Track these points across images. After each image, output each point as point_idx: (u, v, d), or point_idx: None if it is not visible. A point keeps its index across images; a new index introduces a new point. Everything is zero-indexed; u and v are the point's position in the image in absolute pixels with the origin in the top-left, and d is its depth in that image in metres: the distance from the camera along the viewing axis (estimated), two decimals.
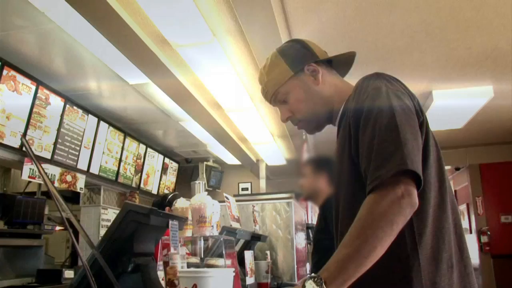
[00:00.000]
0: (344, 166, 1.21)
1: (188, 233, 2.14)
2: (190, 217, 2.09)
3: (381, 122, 1.08)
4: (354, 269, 1.00)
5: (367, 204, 1.04)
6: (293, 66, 1.34)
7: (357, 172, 1.13)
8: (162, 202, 3.85)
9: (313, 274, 1.02)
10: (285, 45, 1.41)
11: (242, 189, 8.57)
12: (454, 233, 1.15)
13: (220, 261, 2.12)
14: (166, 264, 1.64)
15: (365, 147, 1.10)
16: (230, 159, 7.45)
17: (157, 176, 7.04)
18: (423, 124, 1.15)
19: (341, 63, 1.44)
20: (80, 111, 4.91)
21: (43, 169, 1.34)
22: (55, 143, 4.50)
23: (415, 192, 1.03)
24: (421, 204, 1.09)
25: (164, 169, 7.24)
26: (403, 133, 1.06)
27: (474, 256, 6.98)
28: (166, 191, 7.27)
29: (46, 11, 3.06)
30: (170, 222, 1.61)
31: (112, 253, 1.45)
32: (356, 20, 3.47)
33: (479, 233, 7.17)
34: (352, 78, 1.39)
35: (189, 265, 1.92)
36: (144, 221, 1.46)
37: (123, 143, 5.87)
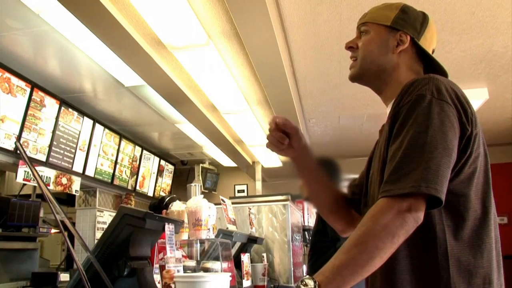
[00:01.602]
0: (379, 165, 1.19)
1: (184, 236, 2.13)
2: (186, 220, 2.08)
3: (412, 135, 1.06)
4: (349, 276, 0.99)
5: (372, 212, 1.03)
6: (396, 22, 1.31)
7: None
8: (159, 205, 3.85)
9: (308, 276, 1.01)
10: (415, 9, 1.37)
11: (238, 191, 8.57)
12: (495, 248, 1.12)
13: (216, 264, 2.12)
14: (162, 267, 1.63)
15: (391, 154, 1.09)
16: (226, 161, 7.45)
17: (153, 178, 7.03)
18: (471, 137, 1.11)
19: (435, 71, 1.33)
20: (75, 113, 4.89)
21: (37, 171, 1.34)
22: (50, 146, 4.48)
23: (422, 208, 1.02)
24: (456, 216, 1.08)
25: (160, 171, 7.23)
26: (430, 151, 1.03)
27: None
28: (162, 193, 7.26)
29: (41, 13, 3.05)
30: (166, 225, 1.60)
31: (107, 257, 1.44)
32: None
33: None
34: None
35: (185, 268, 1.91)
36: (139, 224, 1.46)
37: (119, 145, 5.86)
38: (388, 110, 1.32)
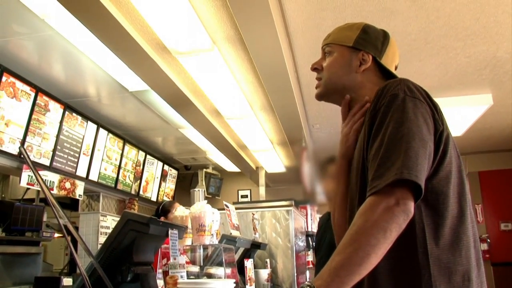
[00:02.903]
0: (357, 170, 1.22)
1: (188, 241, 2.13)
2: (189, 226, 2.08)
3: (390, 131, 1.09)
4: (347, 277, 1.00)
5: (361, 210, 1.05)
6: (357, 42, 1.36)
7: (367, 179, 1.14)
8: (156, 212, 3.86)
9: (307, 282, 1.02)
10: (376, 28, 1.43)
11: (242, 196, 8.56)
12: (473, 247, 1.14)
13: (219, 270, 2.11)
14: (165, 273, 1.62)
15: (372, 153, 1.11)
16: (230, 166, 7.45)
17: (156, 183, 7.03)
18: (443, 133, 1.15)
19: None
20: (79, 117, 4.90)
21: (40, 176, 1.34)
22: (54, 150, 4.49)
23: (410, 200, 1.03)
24: (436, 215, 1.10)
25: (164, 176, 7.23)
26: (407, 141, 1.06)
27: None
28: (165, 198, 7.26)
29: (46, 18, 3.06)
30: (170, 231, 1.60)
31: (111, 262, 1.43)
32: None
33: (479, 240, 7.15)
34: None
35: (189, 274, 1.91)
36: (143, 230, 1.45)
37: (122, 150, 5.86)
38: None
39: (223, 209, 2.74)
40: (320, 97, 1.43)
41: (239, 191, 8.61)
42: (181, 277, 1.61)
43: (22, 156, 3.91)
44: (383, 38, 1.39)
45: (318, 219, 6.30)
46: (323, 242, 3.24)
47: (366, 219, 1.02)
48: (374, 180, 1.06)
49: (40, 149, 4.31)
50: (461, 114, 5.12)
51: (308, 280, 1.05)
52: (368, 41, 1.36)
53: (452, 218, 1.12)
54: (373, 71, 1.36)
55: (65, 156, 4.71)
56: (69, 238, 1.39)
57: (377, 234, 1.00)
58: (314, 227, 5.21)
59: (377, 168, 1.07)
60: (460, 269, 1.09)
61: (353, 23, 1.43)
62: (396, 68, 1.41)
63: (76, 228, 5.84)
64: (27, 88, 4.06)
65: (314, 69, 1.44)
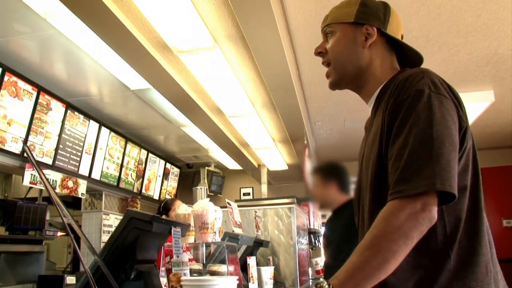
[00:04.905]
0: (371, 166, 1.17)
1: (191, 239, 2.13)
2: (192, 223, 2.08)
3: (417, 132, 1.03)
4: (363, 280, 0.98)
5: (384, 214, 1.02)
6: (358, 17, 1.30)
7: (384, 174, 1.10)
8: (158, 210, 3.87)
9: (322, 280, 1.01)
10: (374, 0, 1.35)
11: (244, 194, 8.57)
12: (487, 235, 1.12)
13: (222, 267, 2.12)
14: (169, 271, 1.63)
15: (395, 153, 1.06)
16: (232, 164, 7.45)
17: (159, 181, 7.04)
18: (466, 130, 1.11)
19: (408, 57, 1.35)
20: (81, 116, 4.91)
21: (44, 175, 1.34)
22: (56, 149, 4.50)
23: (435, 207, 1.00)
24: (458, 210, 1.07)
25: (166, 174, 7.24)
26: (438, 147, 1.01)
27: None
28: (168, 196, 7.27)
29: (47, 17, 3.07)
30: (173, 229, 1.61)
31: (114, 260, 1.44)
32: None
33: None
34: None
35: (192, 271, 1.92)
36: (146, 228, 1.46)
37: (124, 148, 5.88)
38: (370, 107, 1.32)
39: (226, 207, 2.74)
40: (333, 85, 1.37)
41: (241, 189, 8.63)
42: (184, 274, 1.61)
43: (25, 154, 3.94)
44: (384, 8, 1.32)
45: (321, 217, 6.31)
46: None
47: (389, 224, 0.99)
48: (398, 183, 1.01)
49: (43, 148, 4.32)
50: None
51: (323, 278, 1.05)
52: (369, 13, 1.30)
53: (470, 210, 1.10)
54: (381, 44, 1.30)
55: (68, 155, 4.72)
56: (73, 236, 1.40)
57: (399, 240, 0.97)
58: (316, 225, 5.22)
59: (402, 171, 1.02)
60: (482, 259, 1.07)
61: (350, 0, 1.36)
62: (402, 37, 1.35)
63: (79, 227, 5.85)
64: (29, 87, 4.07)
65: (318, 53, 1.38)
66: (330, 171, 3.04)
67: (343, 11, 1.35)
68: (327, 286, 0.99)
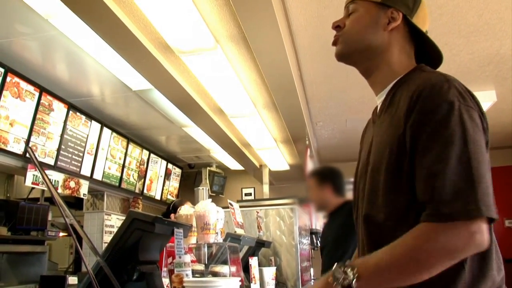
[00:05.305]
0: (383, 168, 1.11)
1: (193, 240, 2.14)
2: (194, 224, 2.09)
3: (453, 150, 0.98)
4: (389, 280, 0.99)
5: (425, 232, 0.97)
6: None
7: (403, 186, 1.06)
8: (167, 209, 3.89)
9: (349, 264, 1.01)
10: None
11: (245, 195, 8.57)
12: (495, 249, 1.10)
13: (224, 268, 2.12)
14: (171, 272, 1.63)
15: (425, 167, 1.01)
16: (233, 164, 7.45)
17: (160, 181, 7.05)
18: (488, 142, 1.06)
19: (426, 54, 1.29)
20: (83, 117, 4.92)
21: (47, 176, 1.35)
22: (58, 149, 4.51)
23: (486, 233, 0.95)
24: None
25: (167, 174, 7.24)
26: (476, 168, 0.97)
27: None
28: (169, 197, 7.28)
29: (50, 18, 3.07)
30: (175, 230, 1.61)
31: (117, 261, 1.45)
32: None
33: None
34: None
35: (194, 272, 1.92)
36: (149, 229, 1.46)
37: (126, 149, 5.88)
38: (378, 99, 1.27)
39: (227, 207, 2.75)
40: (340, 55, 1.30)
41: (243, 189, 8.63)
42: (187, 275, 1.62)
43: (28, 155, 3.94)
44: None
45: (322, 217, 6.30)
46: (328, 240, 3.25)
47: (430, 243, 0.95)
48: (442, 204, 0.96)
49: (45, 148, 4.32)
50: None
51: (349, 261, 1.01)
52: None
53: None
54: (402, 32, 1.24)
55: (70, 155, 4.72)
56: (75, 237, 1.40)
57: (439, 261, 0.96)
58: (318, 225, 5.22)
59: (441, 191, 0.96)
60: (494, 256, 1.07)
61: None
62: (426, 33, 1.28)
63: (81, 227, 5.86)
64: (31, 88, 4.07)
65: (336, 27, 1.31)
66: (325, 175, 3.10)
67: None
68: (351, 274, 0.99)
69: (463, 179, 0.96)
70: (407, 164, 1.06)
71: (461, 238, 0.94)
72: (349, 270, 1.00)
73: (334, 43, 1.32)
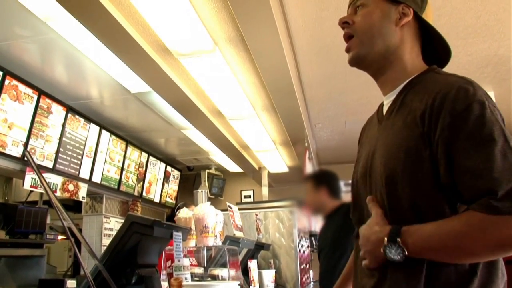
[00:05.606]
0: (401, 176, 1.08)
1: (192, 243, 2.13)
2: (193, 227, 2.08)
3: (495, 147, 0.98)
4: (432, 251, 1.01)
5: (481, 222, 0.96)
6: None
7: (426, 187, 1.05)
8: (172, 211, 3.89)
9: (396, 227, 1.04)
10: None
11: (245, 197, 8.56)
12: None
13: (223, 271, 2.11)
14: (170, 275, 1.63)
15: (471, 172, 0.99)
16: (232, 166, 7.45)
17: (159, 184, 7.04)
18: None
19: (433, 51, 1.28)
20: (82, 120, 4.91)
21: (44, 179, 1.34)
22: (57, 152, 4.50)
23: None
24: None
25: (166, 177, 7.23)
26: None
27: None
28: (168, 199, 7.27)
29: (48, 21, 3.07)
30: (174, 233, 1.60)
31: (115, 265, 1.44)
32: None
33: None
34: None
35: (193, 275, 1.91)
36: (147, 232, 1.46)
37: (125, 151, 5.87)
38: (386, 99, 1.24)
39: (226, 210, 2.74)
40: (356, 60, 1.25)
41: (242, 192, 8.62)
42: (186, 279, 1.61)
43: (26, 159, 3.94)
44: None
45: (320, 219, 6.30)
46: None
47: (484, 235, 0.96)
48: (489, 198, 0.95)
49: (43, 151, 4.32)
50: None
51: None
52: None
53: None
54: (413, 29, 1.22)
55: (68, 158, 4.72)
56: (73, 240, 1.39)
57: (483, 252, 0.98)
58: (317, 227, 5.21)
59: (489, 186, 0.95)
60: (500, 260, 1.07)
61: None
62: None
63: (80, 230, 5.85)
64: (29, 91, 4.07)
65: (343, 23, 1.26)
66: (320, 178, 3.11)
67: None
68: (400, 252, 1.01)
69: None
70: (428, 167, 1.05)
71: (510, 231, 0.94)
72: (395, 236, 1.02)
73: (348, 50, 1.26)
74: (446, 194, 1.04)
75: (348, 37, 1.25)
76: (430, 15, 1.26)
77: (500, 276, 1.07)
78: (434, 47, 1.27)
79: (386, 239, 1.03)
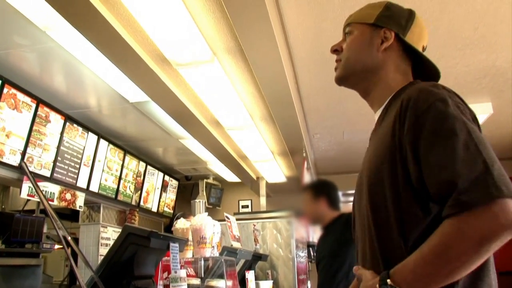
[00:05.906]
0: (387, 186, 1.10)
1: (189, 254, 2.12)
2: (190, 238, 2.07)
3: (457, 140, 0.99)
4: (431, 279, 0.98)
5: (453, 226, 0.95)
6: (379, 19, 1.29)
7: (410, 194, 1.06)
8: (170, 223, 3.87)
9: (384, 273, 1.02)
10: (400, 5, 1.33)
11: (242, 207, 8.54)
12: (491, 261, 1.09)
13: (221, 282, 2.10)
14: (166, 287, 1.61)
15: (435, 167, 1.00)
16: (230, 176, 7.44)
17: (157, 193, 7.02)
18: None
19: (424, 69, 1.31)
20: (80, 128, 4.91)
21: (40, 189, 1.34)
22: (54, 161, 4.49)
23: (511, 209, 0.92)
24: None
25: (164, 186, 7.22)
26: (486, 152, 0.97)
27: None
28: (166, 209, 7.25)
29: (47, 30, 3.08)
30: (171, 244, 1.59)
31: (112, 276, 1.43)
32: None
33: None
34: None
35: (190, 286, 1.90)
36: (144, 243, 1.45)
37: (123, 160, 5.86)
38: (376, 116, 1.30)
39: (224, 220, 2.73)
40: (339, 80, 1.36)
41: (240, 202, 8.60)
42: None
43: (22, 168, 3.92)
44: (407, 15, 1.30)
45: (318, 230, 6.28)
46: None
47: (463, 236, 0.93)
48: (457, 195, 0.94)
49: (41, 160, 4.30)
50: None
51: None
52: (391, 17, 1.28)
53: None
54: (397, 51, 1.28)
55: (66, 167, 4.70)
56: (69, 250, 1.38)
57: (473, 252, 0.94)
58: (315, 238, 5.19)
59: (454, 181, 0.95)
60: (491, 261, 1.06)
61: (376, 2, 1.35)
62: (424, 49, 1.31)
63: (77, 240, 5.82)
64: (28, 99, 4.06)
65: (334, 50, 1.38)
66: (319, 188, 3.10)
67: (366, 12, 1.34)
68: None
69: (476, 166, 0.95)
70: (401, 171, 1.07)
71: (485, 222, 0.92)
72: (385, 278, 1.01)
73: (335, 70, 1.37)
74: (420, 198, 1.05)
75: (336, 61, 1.37)
76: (420, 32, 1.31)
77: (490, 275, 1.07)
78: (424, 65, 1.31)
79: (377, 286, 1.03)
